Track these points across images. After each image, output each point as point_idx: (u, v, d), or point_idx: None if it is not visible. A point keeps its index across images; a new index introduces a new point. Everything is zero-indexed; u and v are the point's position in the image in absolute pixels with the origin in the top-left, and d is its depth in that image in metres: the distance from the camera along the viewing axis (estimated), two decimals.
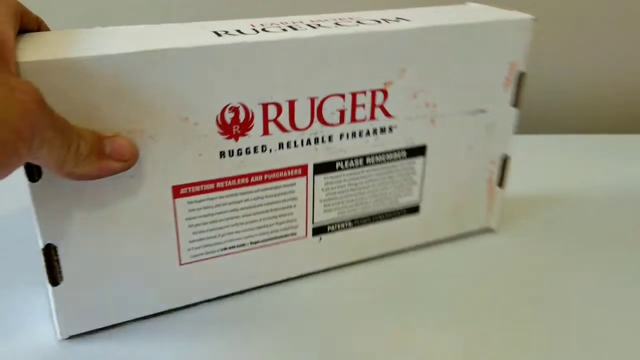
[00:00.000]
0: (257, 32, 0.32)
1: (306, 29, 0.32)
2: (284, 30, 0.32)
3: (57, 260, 0.31)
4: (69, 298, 0.32)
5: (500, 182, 0.43)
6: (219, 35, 0.31)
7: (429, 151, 0.38)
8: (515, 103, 0.40)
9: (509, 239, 0.44)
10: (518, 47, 0.38)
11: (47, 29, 0.31)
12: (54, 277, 0.31)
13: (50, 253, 0.30)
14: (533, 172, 0.53)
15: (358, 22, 0.35)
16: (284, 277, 0.38)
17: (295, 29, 0.32)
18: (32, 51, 0.27)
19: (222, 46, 0.30)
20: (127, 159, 0.29)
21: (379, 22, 0.35)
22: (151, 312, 0.35)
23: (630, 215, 0.47)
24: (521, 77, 0.39)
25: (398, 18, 0.36)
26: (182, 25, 0.33)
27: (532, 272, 0.40)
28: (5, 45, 0.25)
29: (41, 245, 0.30)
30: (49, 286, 0.31)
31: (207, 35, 0.30)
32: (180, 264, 0.34)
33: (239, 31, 0.31)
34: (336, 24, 0.34)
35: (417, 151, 0.38)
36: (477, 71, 0.37)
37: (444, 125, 0.38)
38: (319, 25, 0.33)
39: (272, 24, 0.33)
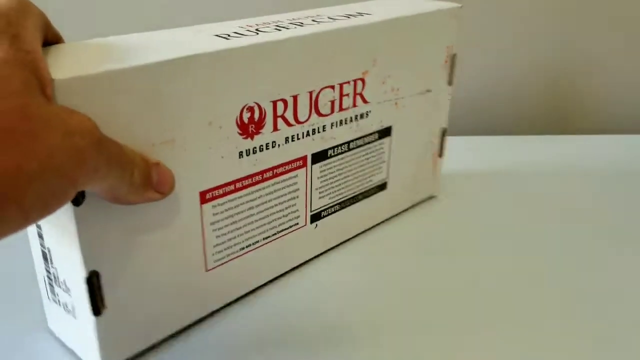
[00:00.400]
0: (257, 33, 0.33)
1: (296, 28, 0.34)
2: (278, 29, 0.34)
3: (100, 288, 0.29)
4: (111, 326, 0.30)
5: (440, 153, 0.48)
6: (226, 38, 0.31)
7: (393, 131, 0.42)
8: (450, 81, 0.46)
9: (449, 202, 0.50)
10: (452, 32, 0.44)
11: (63, 41, 0.29)
12: (97, 306, 0.29)
13: (93, 281, 0.28)
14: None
15: (330, 17, 0.37)
16: (290, 267, 0.39)
17: (286, 28, 0.34)
18: (64, 67, 0.25)
19: (240, 48, 0.30)
20: (168, 192, 0.29)
21: (347, 17, 0.38)
22: (185, 324, 0.34)
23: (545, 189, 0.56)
24: (454, 58, 0.45)
25: (359, 13, 0.39)
26: (179, 30, 0.32)
27: (475, 226, 0.46)
28: (41, 69, 0.23)
29: (84, 273, 0.28)
30: (89, 317, 0.29)
31: (215, 39, 0.31)
32: (207, 270, 0.34)
33: (239, 33, 0.32)
34: (313, 20, 0.36)
35: (385, 132, 0.42)
36: (425, 55, 0.42)
37: (404, 107, 0.42)
38: (301, 23, 0.36)
39: (258, 25, 0.35)
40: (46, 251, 0.30)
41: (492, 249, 0.42)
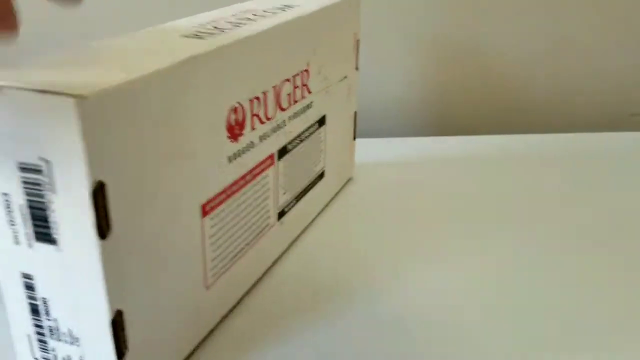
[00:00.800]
0: (229, 29, 0.31)
1: (252, 23, 0.33)
2: (237, 26, 0.32)
3: (124, 329, 0.25)
4: None
5: (354, 135, 0.51)
6: (199, 37, 0.29)
7: (327, 119, 0.43)
8: (357, 66, 0.48)
9: (365, 183, 0.52)
10: (356, 19, 0.46)
11: None
12: (121, 349, 0.25)
13: (118, 321, 0.25)
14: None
15: (266, 11, 0.37)
16: (265, 268, 0.38)
17: (243, 24, 0.33)
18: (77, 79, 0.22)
19: (231, 45, 0.29)
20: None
21: (283, 9, 0.38)
22: (193, 346, 0.31)
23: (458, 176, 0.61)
24: (358, 44, 0.47)
25: (286, 5, 0.39)
26: (151, 30, 0.30)
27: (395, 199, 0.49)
28: None
29: (109, 314, 0.24)
30: None
31: (193, 41, 0.29)
32: (207, 288, 0.31)
33: (207, 31, 0.31)
34: (255, 15, 0.36)
35: (322, 121, 0.43)
36: (342, 43, 0.44)
37: (331, 94, 0.43)
38: (248, 19, 0.35)
39: (216, 21, 0.33)
40: (38, 303, 0.26)
41: (421, 219, 0.46)
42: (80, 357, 0.26)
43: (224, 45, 0.28)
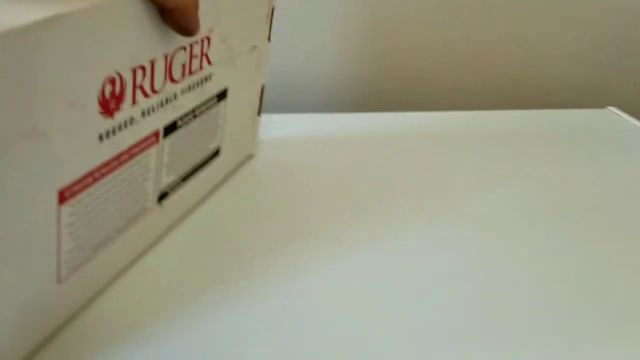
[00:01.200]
0: None
1: None
2: None
3: None
4: None
5: (259, 111, 0.47)
6: None
7: (228, 93, 0.39)
8: (269, 37, 0.44)
9: (267, 161, 0.49)
10: None
11: None
12: None
13: None
14: None
15: None
16: (136, 254, 0.34)
17: None
18: None
19: (108, 3, 0.24)
20: None
21: None
22: (35, 345, 0.27)
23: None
24: (273, 12, 0.43)
25: None
26: None
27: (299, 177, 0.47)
28: None
29: None
30: None
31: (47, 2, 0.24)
32: (60, 282, 0.27)
33: None
34: None
35: (222, 95, 0.38)
36: (253, 11, 0.39)
37: (236, 65, 0.39)
38: None
39: None
40: None
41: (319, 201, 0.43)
42: None
43: (99, 3, 0.24)
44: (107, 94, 0.26)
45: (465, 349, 0.32)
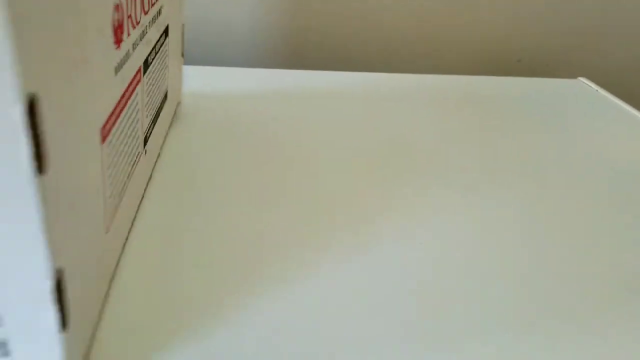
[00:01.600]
0: None
1: None
2: None
3: (65, 292, 0.19)
4: (75, 339, 0.21)
5: (182, 52, 0.45)
6: None
7: (169, 30, 0.38)
8: None
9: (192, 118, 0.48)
10: None
11: None
12: (64, 316, 0.20)
13: (61, 283, 0.19)
14: None
15: None
16: (138, 202, 0.33)
17: None
18: None
19: None
20: None
21: None
22: (102, 303, 0.25)
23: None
24: None
25: None
26: None
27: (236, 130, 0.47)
28: None
29: (50, 274, 0.18)
30: (51, 337, 0.19)
31: None
32: (107, 232, 0.26)
33: None
34: None
35: (167, 31, 0.37)
36: None
37: (170, 0, 0.38)
38: None
39: None
40: None
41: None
42: (4, 340, 0.19)
43: None
44: (116, 22, 0.24)
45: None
